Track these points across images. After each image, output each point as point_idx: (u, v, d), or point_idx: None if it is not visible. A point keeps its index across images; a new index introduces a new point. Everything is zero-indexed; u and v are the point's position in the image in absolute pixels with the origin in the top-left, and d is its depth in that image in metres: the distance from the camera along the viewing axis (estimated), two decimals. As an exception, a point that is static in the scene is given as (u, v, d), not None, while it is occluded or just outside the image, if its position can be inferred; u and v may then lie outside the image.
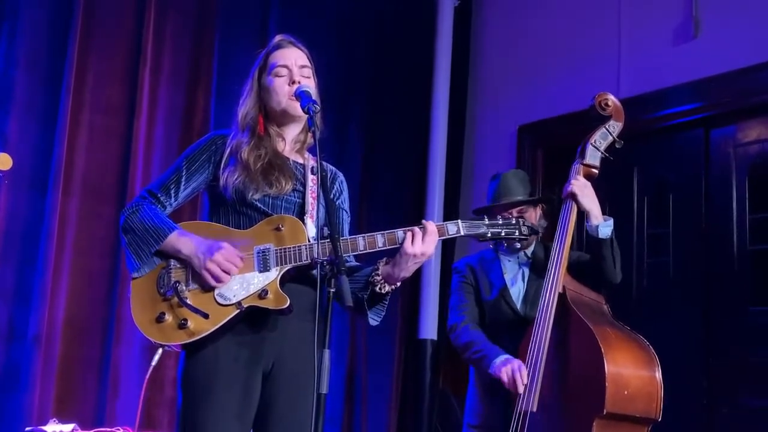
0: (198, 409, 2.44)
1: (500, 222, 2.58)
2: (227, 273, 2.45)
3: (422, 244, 2.47)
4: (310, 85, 2.65)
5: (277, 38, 2.76)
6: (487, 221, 2.57)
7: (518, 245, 3.47)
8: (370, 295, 2.56)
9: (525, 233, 2.60)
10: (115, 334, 4.07)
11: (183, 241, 2.51)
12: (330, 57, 4.94)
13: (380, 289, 2.54)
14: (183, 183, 2.63)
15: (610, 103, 3.35)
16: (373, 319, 2.62)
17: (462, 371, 3.94)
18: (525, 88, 5.37)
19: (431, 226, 2.50)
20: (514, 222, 2.59)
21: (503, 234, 2.58)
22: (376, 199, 5.29)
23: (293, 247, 2.48)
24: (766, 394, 4.16)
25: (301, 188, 2.65)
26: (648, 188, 4.83)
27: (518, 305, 3.48)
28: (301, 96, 2.55)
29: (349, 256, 2.57)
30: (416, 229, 2.49)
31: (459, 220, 2.54)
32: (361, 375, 5.09)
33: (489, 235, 2.56)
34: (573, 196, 3.29)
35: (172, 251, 2.51)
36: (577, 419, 3.00)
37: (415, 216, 5.32)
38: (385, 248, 2.49)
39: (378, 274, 2.54)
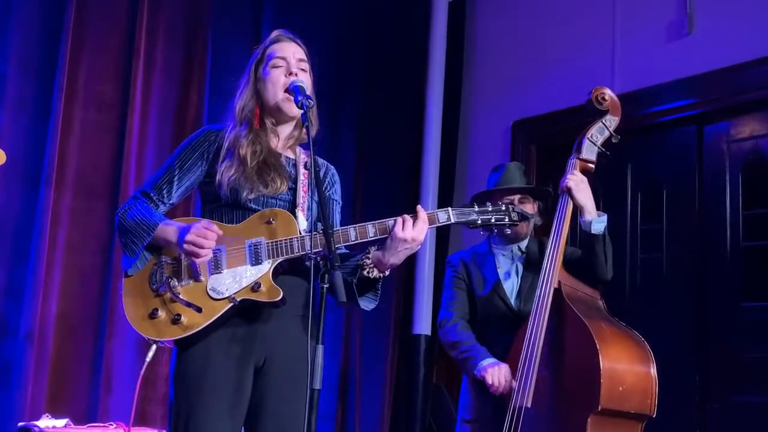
0: (189, 406, 2.44)
1: (490, 209, 2.57)
2: (202, 247, 2.42)
3: (412, 230, 2.46)
4: (305, 80, 2.64)
5: (275, 33, 2.76)
6: (477, 208, 2.56)
7: (508, 231, 3.46)
8: (359, 280, 2.54)
9: (515, 219, 2.58)
10: (108, 330, 4.06)
11: (169, 229, 2.50)
12: (324, 53, 4.93)
13: (368, 273, 2.52)
14: (176, 181, 2.62)
15: (606, 97, 3.34)
16: (365, 306, 2.60)
17: (455, 366, 3.94)
18: (519, 84, 5.37)
19: (423, 213, 2.50)
20: (504, 208, 2.58)
21: (493, 220, 2.56)
22: (371, 196, 5.29)
23: (284, 240, 2.48)
24: (758, 390, 4.17)
25: (293, 185, 2.65)
26: (641, 184, 4.83)
27: (512, 300, 3.48)
28: (295, 90, 2.55)
29: (340, 246, 2.56)
30: (407, 216, 2.49)
31: (449, 208, 2.54)
32: (355, 370, 5.09)
33: (479, 221, 2.55)
34: (568, 191, 3.28)
35: (163, 242, 2.51)
36: (572, 415, 3.00)
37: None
38: (376, 238, 2.49)
39: (368, 258, 2.53)
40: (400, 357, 5.28)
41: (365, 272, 2.52)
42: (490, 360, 3.30)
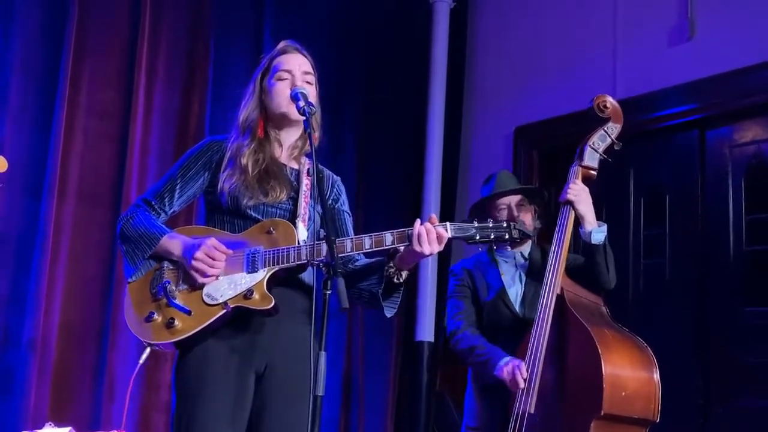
0: (190, 414, 2.46)
1: (490, 225, 2.53)
2: (212, 267, 2.46)
3: (430, 245, 2.45)
4: (309, 90, 2.65)
5: (282, 44, 2.78)
6: (476, 224, 2.53)
7: (509, 248, 3.48)
8: (386, 287, 2.55)
9: (516, 236, 2.55)
10: (110, 339, 4.06)
11: (173, 243, 2.54)
12: (325, 60, 4.92)
13: (398, 279, 2.55)
14: (178, 190, 2.65)
15: (608, 105, 3.35)
16: (389, 312, 2.61)
17: (459, 373, 3.94)
18: (521, 90, 5.37)
19: (441, 231, 2.48)
20: (504, 225, 2.55)
21: (492, 236, 2.53)
22: (373, 203, 5.28)
23: (281, 249, 2.49)
24: (762, 395, 4.16)
25: (295, 194, 2.66)
26: (644, 189, 4.83)
27: (516, 307, 3.48)
28: (296, 97, 2.56)
29: (359, 255, 2.59)
30: (429, 227, 2.46)
31: (447, 223, 2.51)
32: (358, 377, 5.09)
33: (478, 237, 2.52)
34: (570, 203, 3.29)
35: (165, 254, 2.55)
36: (576, 420, 3.01)
37: (411, 218, 5.29)
38: (371, 249, 2.49)
39: (391, 267, 2.54)
40: (403, 364, 5.27)
41: (395, 279, 2.54)
42: (506, 358, 3.26)
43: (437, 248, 2.46)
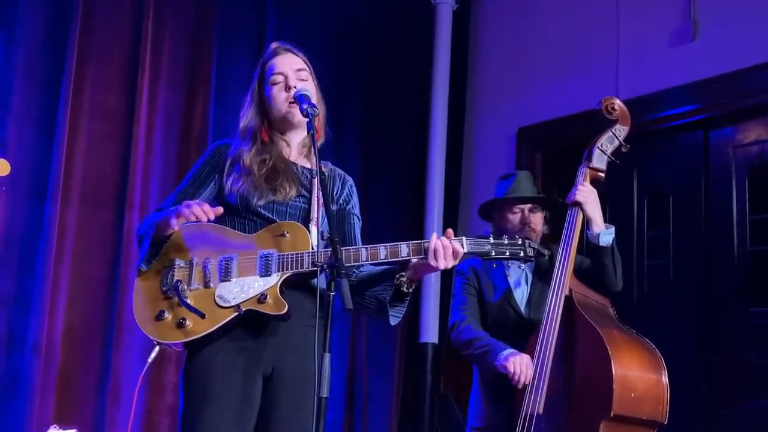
0: (197, 413, 2.46)
1: (505, 242, 2.54)
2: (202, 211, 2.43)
3: (445, 260, 2.46)
4: (308, 87, 2.65)
5: (273, 46, 2.78)
6: (492, 240, 2.54)
7: (522, 266, 3.47)
8: (394, 295, 2.55)
9: (530, 255, 2.56)
10: (114, 341, 4.06)
11: (167, 211, 2.50)
12: (327, 62, 4.93)
13: (407, 288, 2.55)
14: (190, 197, 2.63)
15: (616, 107, 3.37)
16: (394, 320, 2.60)
17: (463, 375, 3.93)
18: (524, 91, 5.36)
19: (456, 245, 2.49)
20: (519, 242, 2.56)
21: (507, 254, 2.54)
22: (375, 204, 5.27)
23: (295, 254, 2.48)
24: (765, 395, 4.15)
25: (307, 194, 2.66)
26: (647, 190, 4.83)
27: (522, 308, 3.48)
28: (300, 99, 2.56)
29: (363, 264, 2.58)
30: (446, 241, 2.47)
31: (464, 237, 2.51)
32: (362, 379, 5.08)
33: (493, 253, 2.53)
34: (579, 205, 3.30)
35: (164, 226, 2.50)
36: (585, 421, 3.01)
37: (414, 220, 5.31)
38: (387, 260, 2.49)
39: (403, 276, 2.54)
40: (407, 365, 5.27)
41: (404, 288, 2.55)
42: (511, 350, 3.26)
43: (452, 263, 2.47)
